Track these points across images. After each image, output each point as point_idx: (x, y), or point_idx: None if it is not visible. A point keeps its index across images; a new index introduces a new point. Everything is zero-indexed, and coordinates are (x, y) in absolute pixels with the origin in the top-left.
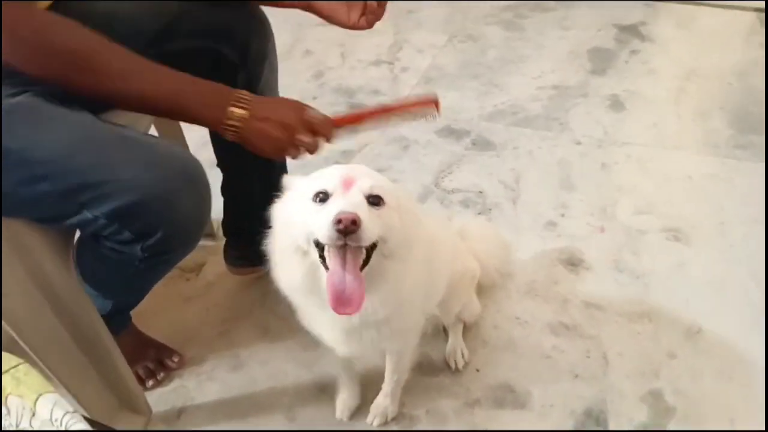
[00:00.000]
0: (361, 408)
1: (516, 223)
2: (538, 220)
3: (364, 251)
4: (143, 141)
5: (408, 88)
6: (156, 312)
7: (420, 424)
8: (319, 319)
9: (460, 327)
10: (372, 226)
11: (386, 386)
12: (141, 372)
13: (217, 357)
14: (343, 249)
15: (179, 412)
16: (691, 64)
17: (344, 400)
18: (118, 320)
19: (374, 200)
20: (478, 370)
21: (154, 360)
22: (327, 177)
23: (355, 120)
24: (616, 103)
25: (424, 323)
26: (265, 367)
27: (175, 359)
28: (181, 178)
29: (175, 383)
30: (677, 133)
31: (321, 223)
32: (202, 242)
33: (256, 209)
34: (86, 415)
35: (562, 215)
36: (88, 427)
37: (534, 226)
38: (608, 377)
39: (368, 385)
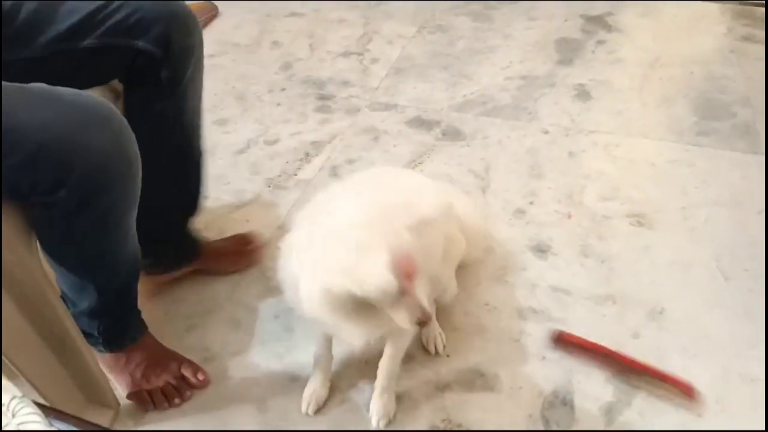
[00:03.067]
0: (328, 403)
1: (486, 211)
2: (508, 208)
3: None
4: (46, 89)
5: (377, 80)
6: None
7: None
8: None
9: (433, 309)
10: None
11: (381, 381)
12: (165, 389)
13: (186, 351)
14: None
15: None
16: (655, 54)
17: (314, 391)
18: (129, 327)
19: None
20: (448, 356)
21: (178, 375)
22: (379, 278)
23: (589, 346)
24: (583, 93)
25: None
26: (236, 359)
27: (201, 376)
28: (87, 115)
29: None
30: (642, 121)
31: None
32: None
33: (169, 213)
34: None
35: (531, 203)
36: (37, 411)
37: (503, 214)
38: (576, 359)
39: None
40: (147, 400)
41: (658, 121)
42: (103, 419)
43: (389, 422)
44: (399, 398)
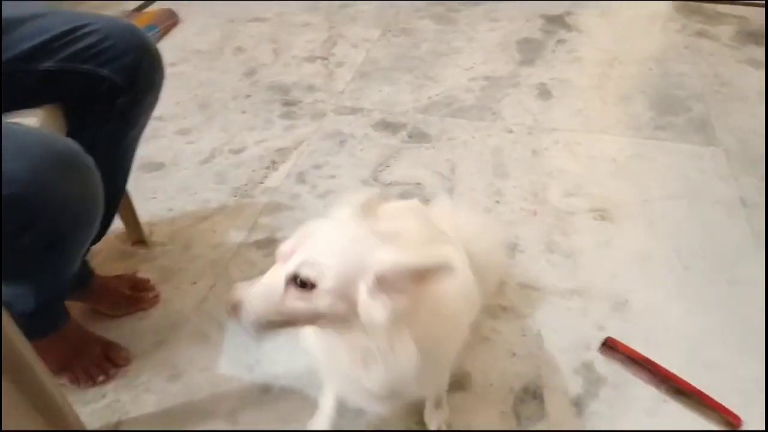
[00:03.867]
0: (299, 395)
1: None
2: (474, 208)
3: None
4: (9, 129)
5: (343, 83)
6: (85, 325)
7: (365, 416)
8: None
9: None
10: (259, 314)
11: (431, 398)
12: (89, 369)
13: (153, 368)
14: None
15: (115, 426)
16: (613, 52)
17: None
18: (53, 316)
19: (300, 281)
20: None
21: (102, 356)
22: (295, 234)
23: (633, 354)
24: (545, 92)
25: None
26: (206, 374)
27: (124, 355)
28: (56, 163)
29: (109, 398)
30: (602, 118)
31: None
32: (133, 249)
33: None
34: None
35: (497, 202)
36: None
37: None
38: (544, 353)
39: None
40: (74, 378)
41: (617, 118)
42: None
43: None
44: None
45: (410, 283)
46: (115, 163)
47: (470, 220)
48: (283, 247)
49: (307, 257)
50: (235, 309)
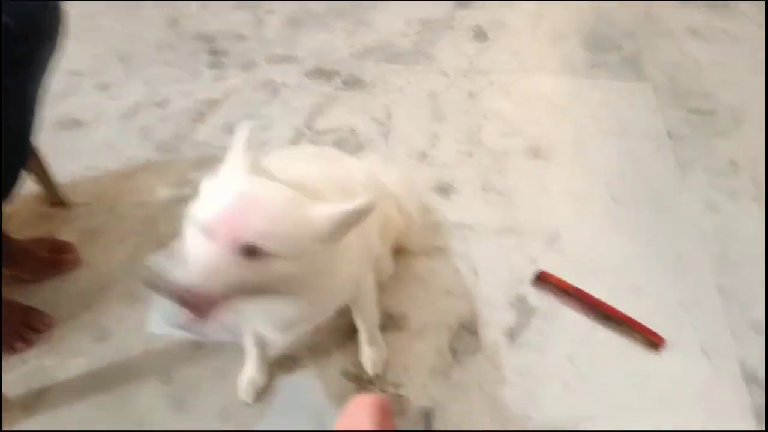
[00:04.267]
0: (267, 390)
1: (389, 157)
2: (410, 153)
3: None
4: None
5: (274, 31)
6: (4, 292)
7: (305, 362)
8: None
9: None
10: (219, 289)
11: (365, 335)
12: (8, 337)
13: (80, 331)
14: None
15: (38, 393)
16: None
17: (252, 379)
18: None
19: (249, 251)
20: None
21: (21, 323)
22: (213, 206)
23: (564, 285)
24: (480, 34)
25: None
26: (137, 333)
27: (46, 320)
28: None
29: (31, 364)
30: (536, 58)
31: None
32: (52, 211)
33: None
34: None
35: (433, 145)
36: None
37: (406, 159)
38: (478, 289)
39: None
40: None
41: (552, 58)
42: None
43: (383, 371)
44: (310, 348)
45: (346, 228)
46: (16, 119)
47: (392, 172)
48: (207, 216)
49: (255, 226)
50: (184, 299)
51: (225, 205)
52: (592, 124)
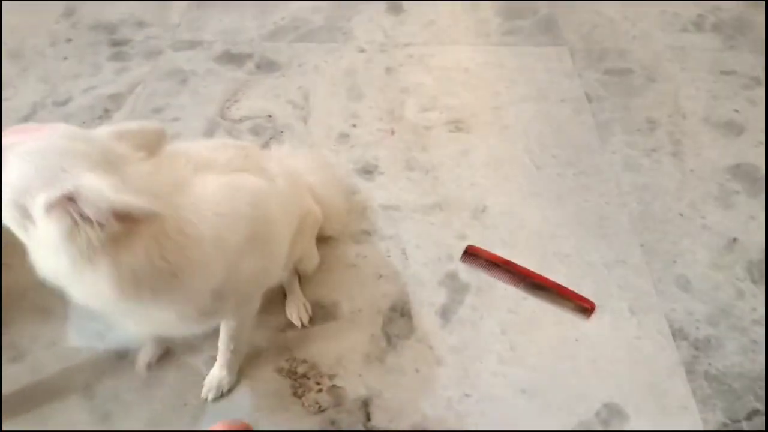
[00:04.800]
0: (165, 358)
1: (309, 141)
2: (331, 135)
3: None
4: None
5: (177, 15)
6: None
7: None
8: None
9: (297, 279)
10: None
11: (221, 357)
12: None
13: None
14: None
15: None
16: None
17: (146, 352)
18: None
19: None
20: (285, 296)
21: None
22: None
23: (493, 258)
24: (395, 6)
25: (260, 295)
26: (53, 350)
27: None
28: None
29: None
30: (452, 28)
31: None
32: None
33: None
34: None
35: (354, 125)
36: None
37: (327, 141)
38: (409, 270)
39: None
40: None
41: (467, 27)
42: None
43: (220, 397)
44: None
45: (111, 216)
46: None
47: (307, 160)
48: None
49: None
50: None
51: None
52: (510, 92)
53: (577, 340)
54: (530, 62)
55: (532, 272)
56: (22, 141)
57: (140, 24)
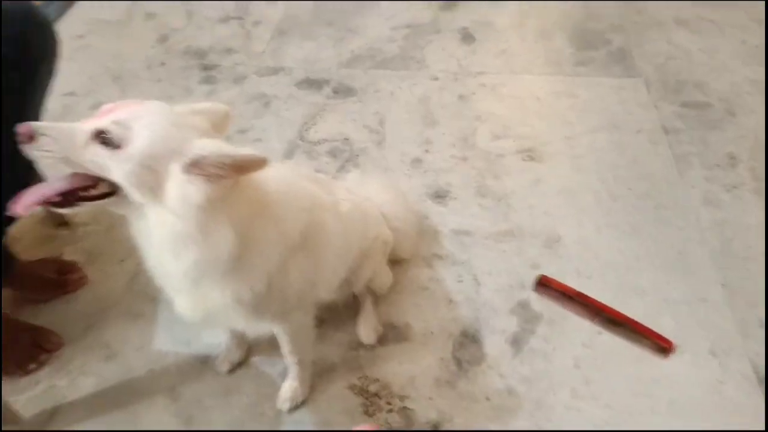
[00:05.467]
0: (242, 365)
1: (383, 164)
2: (404, 159)
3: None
4: None
5: (262, 43)
6: (12, 312)
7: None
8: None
9: (370, 299)
10: (56, 147)
11: (291, 369)
12: (19, 357)
13: (87, 351)
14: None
15: (51, 414)
16: None
17: (225, 355)
18: None
19: (104, 139)
20: (358, 314)
21: (31, 344)
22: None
23: (566, 290)
24: (467, 36)
25: (311, 306)
26: (142, 352)
27: (54, 340)
28: None
29: (43, 384)
30: (524, 57)
31: None
32: (55, 232)
33: None
34: None
35: (427, 151)
36: None
37: (401, 165)
38: (480, 297)
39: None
40: (5, 370)
41: (539, 56)
42: None
43: (294, 408)
44: (314, 362)
45: (227, 171)
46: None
47: (380, 184)
48: (106, 106)
49: (122, 119)
50: (28, 136)
51: (120, 105)
52: (583, 121)
53: (654, 380)
54: (603, 93)
55: (608, 306)
56: (136, 113)
57: (228, 51)
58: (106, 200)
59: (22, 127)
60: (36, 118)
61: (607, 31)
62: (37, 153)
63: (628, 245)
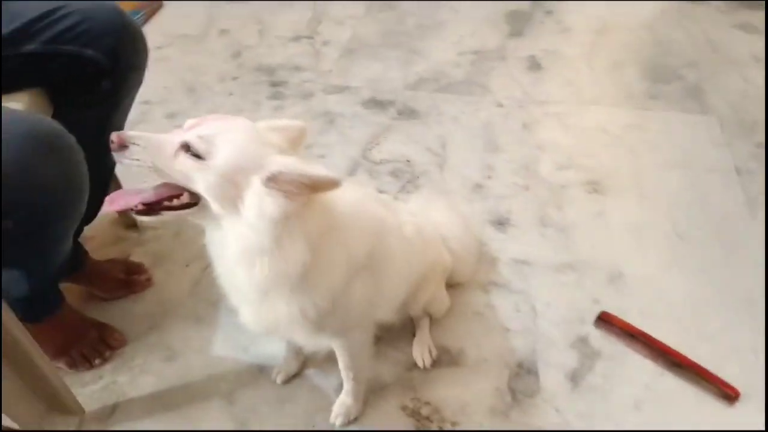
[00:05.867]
0: (297, 376)
1: (444, 188)
2: (465, 184)
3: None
4: None
5: (330, 62)
6: (80, 308)
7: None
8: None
9: (427, 322)
10: (145, 156)
11: (346, 385)
12: (85, 351)
13: (148, 350)
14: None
15: (112, 409)
16: (603, 20)
17: (282, 366)
18: (48, 300)
19: (194, 151)
20: (414, 335)
21: (97, 339)
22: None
23: (628, 328)
24: (534, 64)
25: (371, 325)
26: (201, 355)
27: (118, 337)
28: (38, 146)
29: (106, 379)
30: (592, 88)
31: None
32: (125, 234)
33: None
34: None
35: (489, 177)
36: None
37: (461, 189)
38: (538, 328)
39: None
40: (71, 362)
41: (608, 88)
42: (68, 426)
43: (347, 423)
44: (368, 380)
45: (302, 188)
46: (101, 146)
47: (441, 207)
48: (192, 120)
49: (207, 132)
50: (121, 144)
51: (209, 119)
52: (652, 157)
53: (717, 427)
54: (675, 128)
55: (670, 348)
56: (220, 127)
57: (297, 68)
58: (187, 211)
59: (116, 135)
60: (122, 125)
61: (681, 66)
62: (128, 160)
63: (696, 287)
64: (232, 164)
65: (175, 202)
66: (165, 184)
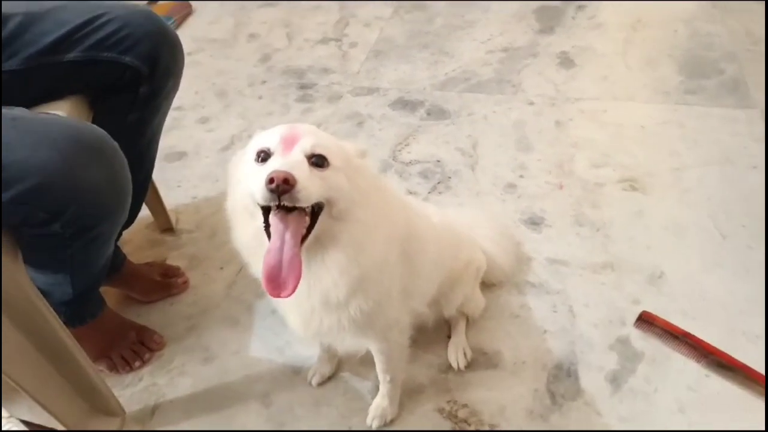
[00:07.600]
0: (332, 378)
1: (476, 188)
2: (498, 184)
3: (307, 218)
4: (37, 119)
5: (358, 64)
6: (118, 311)
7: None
8: None
9: (463, 323)
10: (310, 185)
11: (382, 387)
12: (125, 354)
13: (186, 352)
14: (285, 215)
15: (153, 410)
16: (636, 15)
17: (317, 368)
18: (89, 304)
19: (317, 160)
20: (449, 337)
21: (136, 342)
22: (270, 135)
23: (671, 328)
24: (566, 60)
25: (408, 325)
26: (237, 357)
27: (157, 339)
28: (83, 151)
29: (145, 381)
30: (627, 84)
31: (258, 183)
32: (161, 237)
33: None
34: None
35: (521, 176)
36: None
37: (494, 189)
38: (576, 329)
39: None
40: (112, 365)
41: (643, 84)
42: (110, 427)
43: (383, 425)
44: (403, 382)
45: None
46: (140, 150)
47: (474, 208)
48: (274, 139)
49: (314, 140)
50: (286, 180)
51: (283, 130)
52: (690, 153)
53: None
54: (715, 124)
55: (715, 348)
56: (308, 133)
57: (325, 71)
58: (315, 228)
59: (281, 175)
60: (160, 130)
61: (720, 60)
62: (300, 195)
63: (740, 287)
64: (343, 157)
65: (308, 223)
66: (284, 222)
